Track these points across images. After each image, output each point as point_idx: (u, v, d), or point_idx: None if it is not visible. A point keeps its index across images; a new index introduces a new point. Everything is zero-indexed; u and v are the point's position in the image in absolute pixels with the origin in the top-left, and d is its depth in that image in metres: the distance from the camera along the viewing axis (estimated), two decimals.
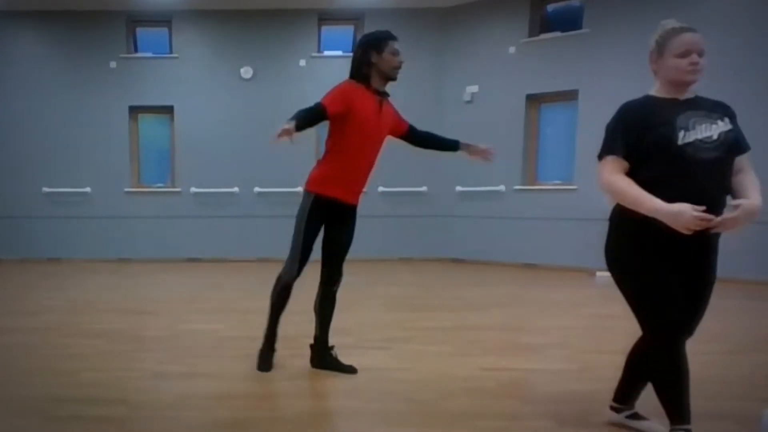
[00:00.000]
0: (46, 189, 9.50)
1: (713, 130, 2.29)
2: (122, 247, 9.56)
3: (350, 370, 3.49)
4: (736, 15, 7.17)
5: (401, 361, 3.75)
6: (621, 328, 4.61)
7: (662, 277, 2.35)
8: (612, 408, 2.73)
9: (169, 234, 9.54)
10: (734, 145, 2.33)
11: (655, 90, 2.44)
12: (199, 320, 5.09)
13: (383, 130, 3.42)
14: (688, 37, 2.33)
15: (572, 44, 8.28)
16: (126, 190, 9.60)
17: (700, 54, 2.32)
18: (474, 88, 9.16)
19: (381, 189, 9.21)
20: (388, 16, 9.24)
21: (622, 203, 2.37)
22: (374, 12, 9.27)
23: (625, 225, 2.40)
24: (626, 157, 2.34)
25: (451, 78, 9.36)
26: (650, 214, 2.23)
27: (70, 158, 9.46)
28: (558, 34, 8.56)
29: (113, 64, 9.46)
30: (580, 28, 8.31)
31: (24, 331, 4.65)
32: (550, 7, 8.83)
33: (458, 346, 4.20)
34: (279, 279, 3.51)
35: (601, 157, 2.40)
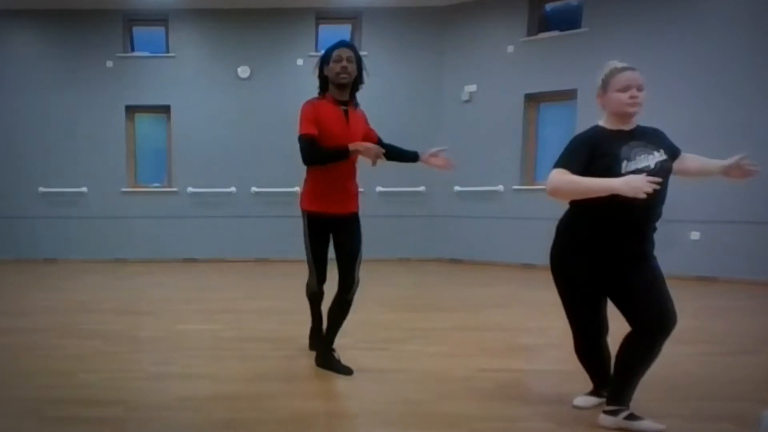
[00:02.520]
0: (42, 189, 9.47)
1: (650, 160, 2.60)
2: (119, 248, 9.53)
3: (346, 371, 3.48)
4: (736, 14, 7.16)
5: (399, 362, 3.73)
6: (619, 330, 4.60)
7: (586, 289, 2.78)
8: (606, 412, 2.72)
9: (166, 234, 9.51)
10: (668, 169, 2.64)
11: (603, 121, 2.73)
12: (196, 321, 5.07)
13: (354, 137, 3.41)
14: (627, 75, 2.62)
15: (571, 43, 8.27)
16: (123, 190, 9.57)
17: (639, 89, 2.61)
18: (472, 88, 9.15)
19: (379, 189, 9.19)
20: (386, 15, 9.23)
21: (575, 194, 2.66)
22: (372, 11, 9.26)
23: (571, 232, 2.77)
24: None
25: (449, 77, 9.35)
26: (606, 192, 2.50)
27: (67, 158, 9.43)
28: (557, 33, 8.55)
29: (110, 64, 9.42)
30: (578, 27, 8.31)
31: (20, 331, 4.63)
32: (549, 6, 8.82)
33: (456, 346, 4.19)
34: (307, 289, 3.76)
35: (555, 167, 2.66)
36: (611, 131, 2.67)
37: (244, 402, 3.06)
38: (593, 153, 2.61)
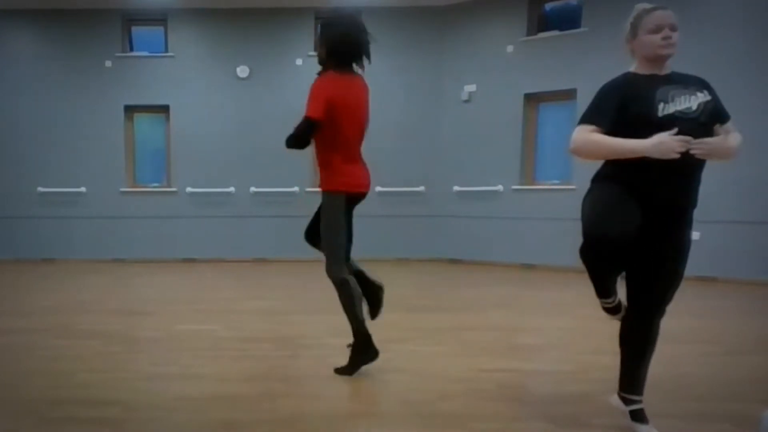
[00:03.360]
0: (41, 189, 9.46)
1: (692, 101, 2.36)
2: (118, 248, 9.52)
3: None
4: (736, 13, 7.17)
5: (398, 362, 3.73)
6: (617, 329, 4.60)
7: (621, 197, 2.40)
8: (619, 396, 2.70)
9: (165, 234, 9.51)
10: (714, 114, 2.40)
11: (634, 68, 2.52)
12: (195, 321, 5.06)
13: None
14: (659, 14, 2.41)
15: (570, 43, 8.27)
16: (121, 189, 9.56)
17: (672, 28, 2.39)
18: (472, 88, 9.14)
19: (378, 189, 9.17)
20: (386, 14, 9.23)
21: (599, 156, 2.45)
22: (371, 10, 9.24)
23: (608, 182, 2.48)
24: (608, 132, 2.41)
25: (449, 77, 9.34)
26: (634, 154, 2.31)
27: (66, 158, 9.43)
28: (556, 33, 8.55)
29: (108, 63, 9.42)
30: (578, 26, 8.31)
31: (19, 332, 4.62)
32: (549, 6, 8.82)
33: (455, 346, 4.18)
34: (341, 283, 3.42)
35: (580, 123, 2.47)
36: (644, 76, 2.45)
37: (243, 402, 3.05)
38: (624, 100, 2.39)
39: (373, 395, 3.17)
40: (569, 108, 8.24)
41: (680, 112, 2.34)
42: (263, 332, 4.60)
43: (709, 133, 2.36)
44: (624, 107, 2.38)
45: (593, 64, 7.88)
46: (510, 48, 8.83)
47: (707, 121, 2.36)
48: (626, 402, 2.67)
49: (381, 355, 3.45)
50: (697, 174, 2.42)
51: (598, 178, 2.55)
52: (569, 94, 8.20)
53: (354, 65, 3.38)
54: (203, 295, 6.47)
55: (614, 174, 2.46)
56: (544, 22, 8.82)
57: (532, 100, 8.79)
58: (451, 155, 9.29)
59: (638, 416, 2.64)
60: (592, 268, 2.58)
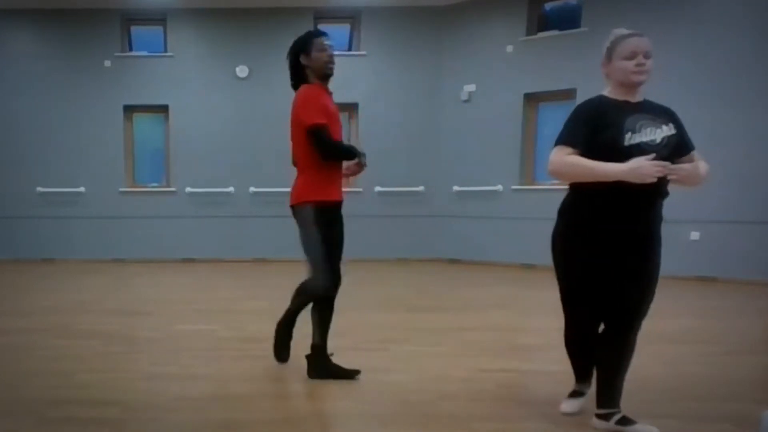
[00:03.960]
0: (40, 189, 9.45)
1: (657, 134, 2.44)
2: (117, 248, 9.51)
3: (353, 375, 3.37)
4: (736, 15, 7.16)
5: (397, 363, 3.72)
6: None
7: (588, 273, 2.58)
8: (598, 416, 2.68)
9: (164, 234, 9.50)
10: (677, 147, 2.47)
11: (608, 91, 2.58)
12: (194, 321, 5.05)
13: (340, 130, 3.40)
14: (634, 41, 2.47)
15: (570, 43, 8.26)
16: (121, 189, 9.55)
17: (646, 56, 2.45)
18: (471, 87, 9.14)
19: (378, 189, 9.17)
20: (385, 14, 9.22)
21: (577, 178, 2.53)
22: (370, 10, 9.25)
23: (572, 215, 2.63)
24: (582, 153, 2.48)
25: (448, 77, 9.33)
26: (608, 178, 2.38)
27: (65, 158, 9.41)
28: (556, 32, 8.54)
29: (108, 63, 9.40)
30: (578, 26, 8.30)
31: (18, 332, 4.61)
32: (548, 6, 8.82)
33: (455, 347, 4.18)
34: (316, 297, 3.36)
35: (557, 144, 2.57)
36: (616, 101, 2.52)
37: (242, 402, 3.04)
38: (596, 124, 2.45)
39: (373, 395, 3.16)
40: (569, 108, 8.10)
41: (645, 143, 2.41)
42: (263, 332, 4.56)
43: (673, 161, 2.41)
44: (594, 132, 2.45)
45: (593, 63, 7.78)
46: (510, 48, 8.82)
47: (669, 154, 2.42)
48: (607, 417, 2.65)
49: (380, 355, 3.44)
50: (660, 203, 2.51)
51: (563, 211, 2.70)
52: (569, 94, 8.19)
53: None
54: (203, 295, 6.46)
55: (579, 203, 2.59)
56: (543, 21, 8.82)
57: (532, 99, 8.78)
58: (450, 155, 9.28)
59: (626, 421, 2.62)
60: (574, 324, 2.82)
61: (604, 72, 2.58)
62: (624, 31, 2.52)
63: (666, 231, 2.59)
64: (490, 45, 8.97)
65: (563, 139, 2.53)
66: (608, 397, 2.65)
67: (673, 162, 2.38)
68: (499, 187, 8.95)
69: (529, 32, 8.73)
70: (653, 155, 2.34)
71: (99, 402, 3.04)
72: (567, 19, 8.55)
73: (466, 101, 9.19)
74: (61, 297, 6.25)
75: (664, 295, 6.56)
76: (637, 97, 2.52)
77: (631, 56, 2.45)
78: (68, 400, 3.07)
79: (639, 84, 2.48)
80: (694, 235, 7.29)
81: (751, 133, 6.82)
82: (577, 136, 2.49)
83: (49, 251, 9.48)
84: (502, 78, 8.86)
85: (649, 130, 2.43)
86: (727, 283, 7.11)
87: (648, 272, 2.55)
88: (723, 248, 7.18)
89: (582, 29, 8.21)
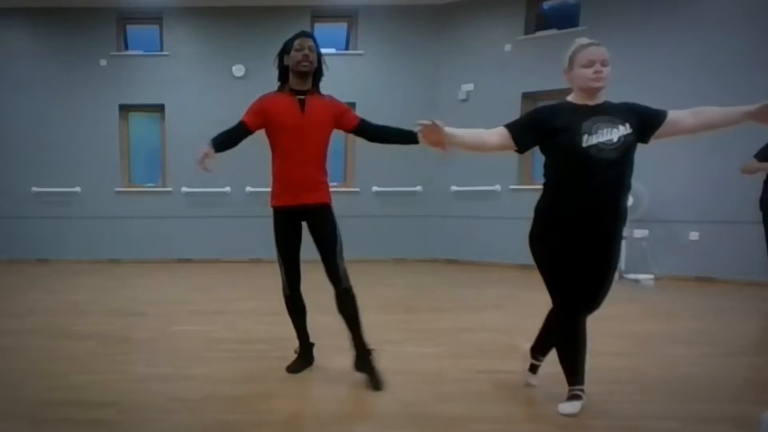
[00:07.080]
0: (35, 189, 9.40)
1: (613, 134, 2.61)
2: (112, 248, 9.47)
3: (376, 385, 3.26)
4: (734, 13, 7.16)
5: (395, 363, 3.70)
6: (615, 330, 4.59)
7: (566, 265, 2.73)
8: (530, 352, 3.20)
9: (160, 234, 9.46)
10: (644, 129, 2.67)
11: (571, 96, 2.79)
12: (190, 322, 5.03)
13: (311, 126, 3.35)
14: (592, 50, 2.67)
15: (569, 42, 8.12)
16: (116, 189, 9.51)
17: (603, 64, 2.64)
18: (469, 87, 9.12)
19: (375, 189, 9.15)
20: (382, 13, 9.21)
21: (464, 146, 3.08)
22: (368, 9, 9.23)
23: (542, 216, 2.81)
24: (520, 144, 2.83)
25: (446, 76, 9.32)
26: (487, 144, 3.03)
27: (60, 157, 9.37)
28: (554, 31, 8.54)
29: (103, 62, 9.37)
30: (576, 25, 8.29)
31: (12, 333, 4.58)
32: (546, 5, 8.82)
33: (453, 348, 4.16)
34: (283, 293, 3.61)
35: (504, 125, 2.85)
36: (576, 105, 2.72)
37: (238, 404, 3.03)
38: (554, 127, 2.66)
39: (370, 396, 3.14)
40: None
41: (602, 143, 2.60)
42: (259, 333, 4.58)
43: (626, 164, 2.63)
44: (554, 134, 2.67)
45: None
46: (508, 47, 8.81)
47: (622, 153, 2.61)
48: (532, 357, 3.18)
49: (378, 356, 3.41)
50: (624, 198, 2.70)
51: (538, 210, 2.84)
52: (567, 93, 8.14)
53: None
54: (198, 295, 6.44)
55: (551, 204, 2.76)
56: (541, 20, 8.81)
57: (530, 99, 8.76)
58: (450, 155, 9.23)
59: (533, 368, 3.23)
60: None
61: (566, 79, 2.78)
62: (584, 40, 2.72)
63: (666, 231, 2.59)
64: (488, 44, 8.96)
65: (509, 123, 2.86)
66: (581, 375, 2.92)
67: (627, 161, 2.62)
68: (497, 187, 8.94)
69: (527, 31, 8.72)
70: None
71: (94, 403, 3.02)
72: (565, 18, 8.54)
73: (464, 100, 9.18)
74: (56, 298, 6.22)
75: (663, 296, 6.58)
76: (596, 100, 2.70)
77: (590, 64, 2.64)
78: (63, 402, 3.04)
79: (597, 90, 2.67)
80: (694, 235, 7.26)
81: (751, 133, 6.80)
82: (519, 127, 2.82)
83: (44, 251, 9.44)
84: (500, 77, 8.85)
85: (605, 130, 2.61)
86: (726, 283, 7.10)
87: (612, 262, 2.76)
88: (722, 248, 7.17)
89: (580, 28, 8.19)
